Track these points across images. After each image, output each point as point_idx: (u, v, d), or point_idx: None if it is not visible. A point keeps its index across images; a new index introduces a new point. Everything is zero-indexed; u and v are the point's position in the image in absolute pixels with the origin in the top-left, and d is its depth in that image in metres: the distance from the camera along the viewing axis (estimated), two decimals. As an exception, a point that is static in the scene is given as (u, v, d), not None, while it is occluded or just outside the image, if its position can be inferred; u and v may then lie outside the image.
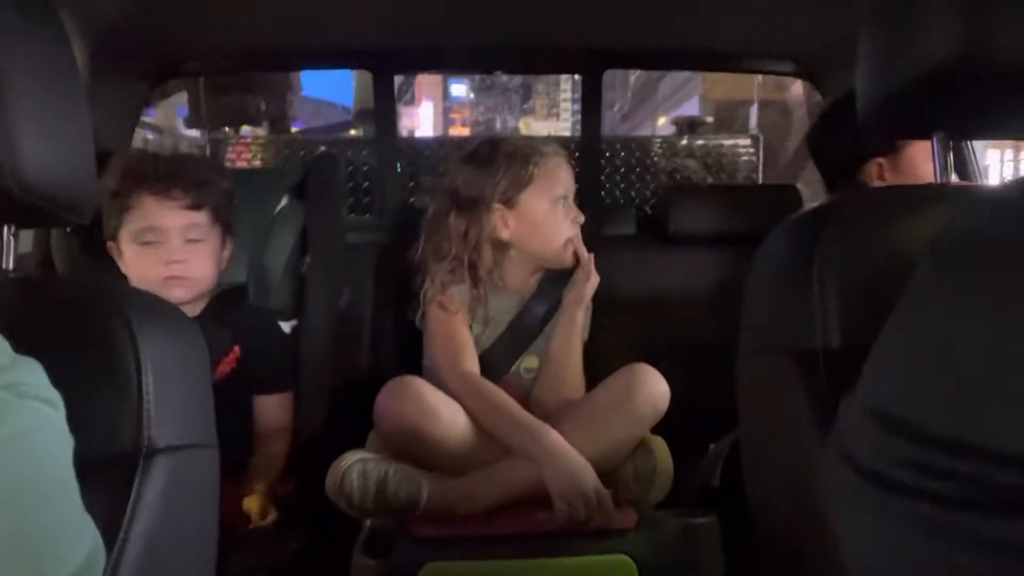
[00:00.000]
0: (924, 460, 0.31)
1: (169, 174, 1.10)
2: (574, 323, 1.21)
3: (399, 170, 1.71)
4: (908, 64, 0.58)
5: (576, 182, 1.28)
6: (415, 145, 2.26)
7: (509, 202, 1.21)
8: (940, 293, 0.33)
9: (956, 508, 0.29)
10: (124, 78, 1.44)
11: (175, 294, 1.09)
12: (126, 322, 0.54)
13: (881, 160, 1.26)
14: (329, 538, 1.04)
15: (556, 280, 1.26)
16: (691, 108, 9.95)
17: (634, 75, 11.95)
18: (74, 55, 0.61)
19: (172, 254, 1.09)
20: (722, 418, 1.18)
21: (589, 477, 1.02)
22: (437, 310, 1.22)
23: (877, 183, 1.26)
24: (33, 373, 0.48)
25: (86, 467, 0.49)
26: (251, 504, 1.03)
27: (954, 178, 0.71)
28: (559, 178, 1.23)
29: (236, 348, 1.16)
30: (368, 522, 1.04)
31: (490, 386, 1.13)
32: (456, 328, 1.20)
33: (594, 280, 1.23)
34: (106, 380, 0.53)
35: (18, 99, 0.54)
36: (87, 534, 0.47)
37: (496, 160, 1.22)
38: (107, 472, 0.51)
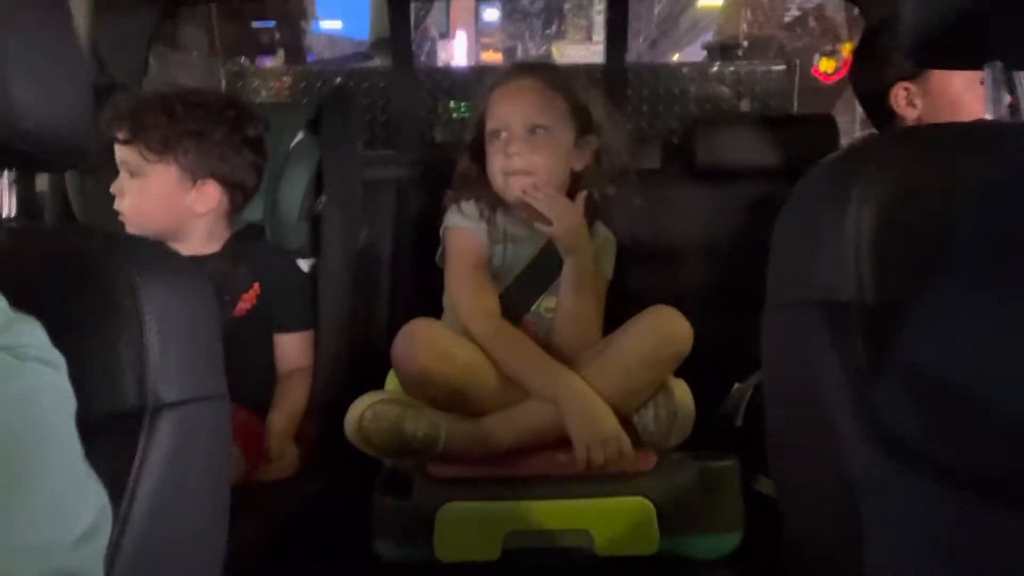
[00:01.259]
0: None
1: (116, 110, 1.07)
2: (571, 271, 1.14)
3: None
4: None
5: None
6: (434, 75, 2.19)
7: (483, 138, 1.19)
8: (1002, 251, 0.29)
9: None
10: (131, 7, 1.40)
11: (127, 231, 1.09)
12: (127, 273, 0.52)
13: (907, 84, 1.17)
14: (350, 479, 1.05)
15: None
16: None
17: (658, 5, 11.48)
18: None
19: (115, 189, 1.10)
20: (747, 359, 1.15)
21: (609, 422, 1.01)
22: (455, 245, 1.19)
23: (908, 111, 1.18)
24: (33, 333, 0.47)
25: (90, 425, 0.48)
26: (275, 445, 1.04)
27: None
28: (494, 111, 1.17)
29: (256, 285, 1.15)
30: (388, 463, 1.05)
31: (510, 328, 1.12)
32: (475, 265, 1.17)
33: (558, 226, 1.11)
34: (108, 335, 0.52)
35: (6, 42, 0.52)
36: (92, 495, 0.47)
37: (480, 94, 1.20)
38: (111, 430, 0.50)
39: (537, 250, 1.20)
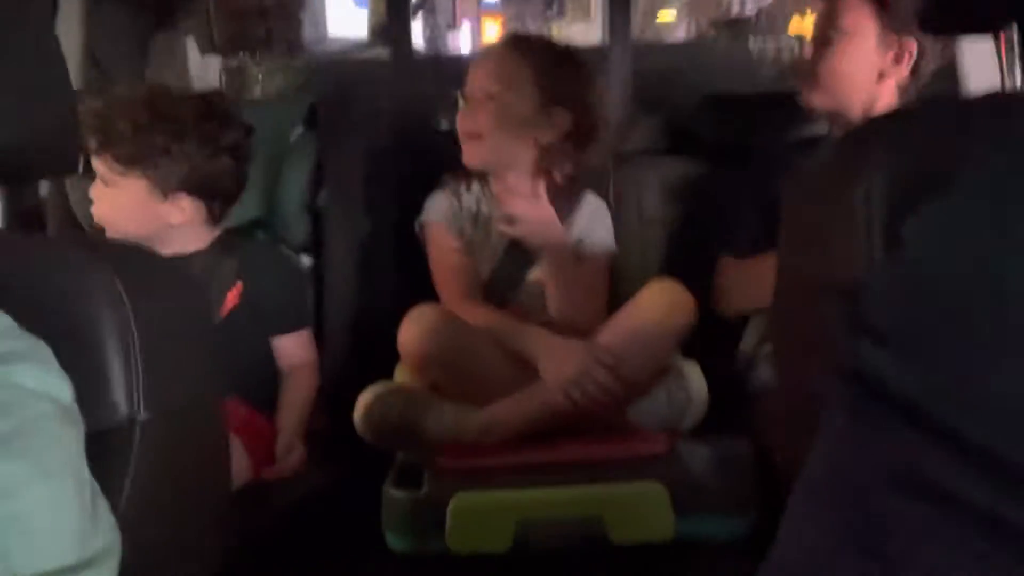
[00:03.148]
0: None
1: (85, 119, 1.04)
2: (545, 267, 1.15)
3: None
4: None
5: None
6: (438, 62, 2.17)
7: None
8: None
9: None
10: (127, 7, 1.39)
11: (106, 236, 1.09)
12: (113, 285, 0.51)
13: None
14: (361, 473, 1.05)
15: (556, 191, 1.20)
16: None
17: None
18: (46, 3, 0.57)
19: (92, 195, 1.10)
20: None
21: (580, 359, 1.02)
22: (429, 236, 1.22)
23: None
24: (36, 364, 0.46)
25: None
26: (281, 444, 1.04)
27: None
28: (466, 80, 1.19)
29: (239, 283, 1.13)
30: (399, 456, 1.04)
31: (483, 308, 1.14)
32: (448, 254, 1.20)
33: (519, 227, 1.12)
34: (95, 348, 0.51)
35: None
36: (103, 520, 0.46)
37: None
38: (102, 443, 0.49)
39: None
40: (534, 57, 1.18)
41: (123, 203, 1.08)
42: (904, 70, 1.13)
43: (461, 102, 1.20)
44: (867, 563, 0.25)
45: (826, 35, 1.15)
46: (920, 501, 0.24)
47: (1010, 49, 0.62)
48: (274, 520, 0.93)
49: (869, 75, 1.14)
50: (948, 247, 0.27)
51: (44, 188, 1.25)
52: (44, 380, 0.46)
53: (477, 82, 1.17)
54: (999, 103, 0.59)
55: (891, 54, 1.13)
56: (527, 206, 1.12)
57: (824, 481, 0.28)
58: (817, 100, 1.18)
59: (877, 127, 0.56)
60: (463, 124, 1.17)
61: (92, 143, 1.06)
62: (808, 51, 1.18)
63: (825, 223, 0.55)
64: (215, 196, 1.12)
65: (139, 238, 1.08)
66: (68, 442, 0.46)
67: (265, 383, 1.14)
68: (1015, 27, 0.59)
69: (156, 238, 1.09)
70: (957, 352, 0.25)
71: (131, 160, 1.06)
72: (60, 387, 0.47)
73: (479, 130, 1.16)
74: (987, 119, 0.53)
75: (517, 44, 1.21)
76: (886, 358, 0.26)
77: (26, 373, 0.45)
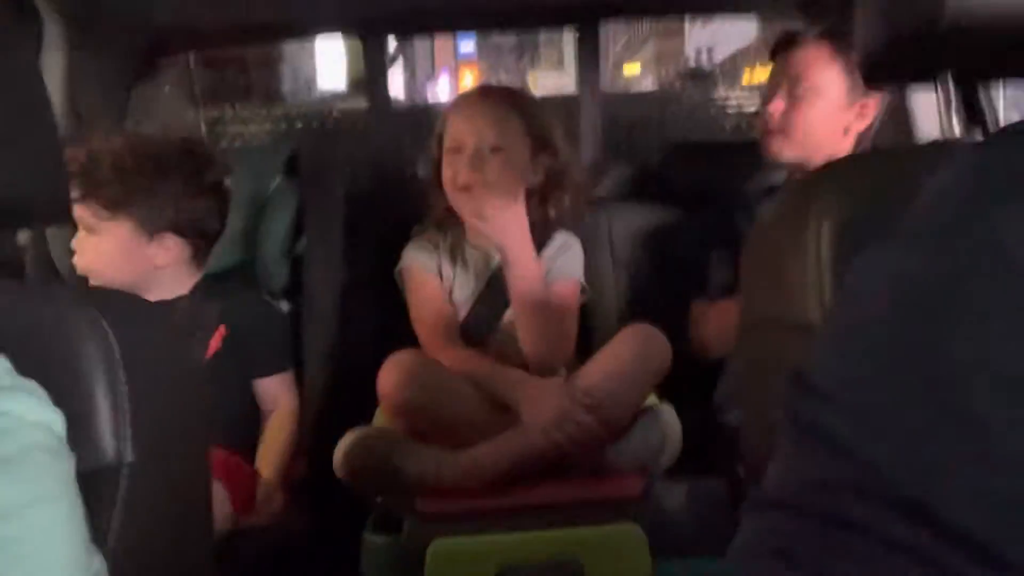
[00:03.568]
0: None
1: (75, 167, 1.06)
2: (513, 281, 1.16)
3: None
4: (908, 9, 0.54)
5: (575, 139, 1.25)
6: (414, 112, 2.22)
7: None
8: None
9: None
10: (109, 60, 1.41)
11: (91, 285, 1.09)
12: (100, 328, 0.52)
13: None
14: (339, 518, 1.05)
15: (531, 229, 1.21)
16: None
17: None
18: (31, 50, 0.59)
19: (74, 246, 1.11)
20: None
21: (561, 401, 1.03)
22: (408, 281, 1.24)
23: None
24: (32, 396, 0.47)
25: None
26: (261, 494, 1.03)
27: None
28: (451, 130, 1.21)
29: (222, 327, 1.14)
30: (378, 500, 1.04)
31: (462, 351, 1.16)
32: (427, 298, 1.22)
33: (496, 234, 1.14)
34: (82, 392, 0.51)
35: None
36: (94, 556, 0.47)
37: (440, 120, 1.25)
38: (90, 486, 0.50)
39: (494, 267, 1.23)
40: (523, 107, 1.22)
41: (109, 249, 1.09)
42: (866, 123, 1.20)
43: (441, 152, 1.21)
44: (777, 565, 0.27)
45: (796, 92, 1.20)
46: (839, 528, 0.26)
47: (948, 97, 0.66)
48: (254, 568, 0.92)
49: (836, 129, 1.20)
50: (878, 287, 0.29)
51: (23, 238, 1.25)
52: (41, 412, 0.47)
53: (475, 134, 1.18)
54: (933, 151, 0.64)
55: (856, 107, 1.19)
56: (511, 215, 1.14)
57: (763, 496, 0.29)
58: (785, 152, 1.23)
59: (826, 174, 0.60)
60: (464, 176, 1.17)
61: (75, 192, 1.06)
62: (773, 104, 1.22)
63: (780, 264, 0.58)
64: (199, 235, 1.14)
65: (124, 285, 1.09)
66: (62, 474, 0.47)
67: (246, 426, 1.14)
68: (949, 77, 0.64)
69: (141, 284, 1.11)
70: (884, 397, 0.27)
71: (116, 203, 1.07)
72: (55, 420, 0.48)
73: (486, 181, 1.16)
74: (922, 167, 0.57)
75: (506, 95, 1.24)
76: (819, 404, 0.29)
77: (24, 403, 0.46)
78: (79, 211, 1.08)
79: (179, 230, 1.11)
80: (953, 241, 0.28)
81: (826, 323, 0.31)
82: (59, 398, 0.48)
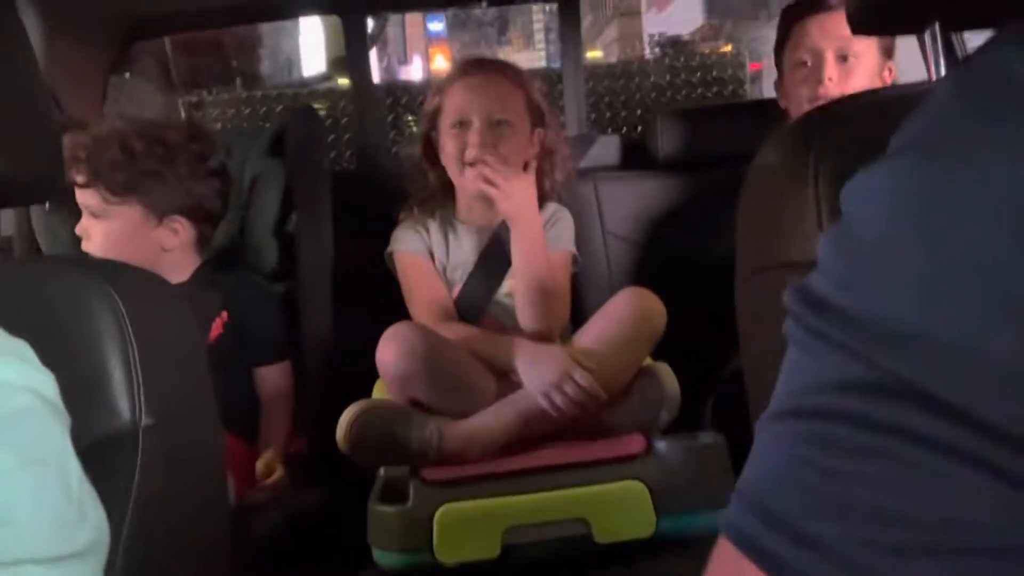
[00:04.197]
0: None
1: (73, 153, 1.06)
2: (519, 239, 1.16)
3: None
4: None
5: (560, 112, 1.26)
6: (395, 90, 2.21)
7: (432, 135, 1.23)
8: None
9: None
10: (86, 45, 1.39)
11: None
12: (109, 297, 0.53)
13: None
14: (345, 492, 1.06)
15: None
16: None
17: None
18: (25, 31, 0.59)
19: (80, 232, 1.10)
20: (724, 341, 1.18)
21: (556, 364, 1.04)
22: (400, 265, 1.24)
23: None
24: (19, 360, 0.47)
25: (84, 446, 0.48)
26: (261, 466, 1.04)
27: None
28: (453, 103, 1.20)
29: (224, 313, 1.15)
30: (382, 471, 1.05)
31: (458, 326, 1.17)
32: (420, 280, 1.22)
33: (504, 200, 1.14)
34: (95, 357, 0.52)
35: None
36: (91, 513, 0.47)
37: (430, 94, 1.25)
38: (106, 450, 0.50)
39: (486, 240, 1.24)
40: (521, 80, 1.23)
41: (117, 233, 1.09)
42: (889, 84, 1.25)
43: (432, 128, 1.22)
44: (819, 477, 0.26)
45: (846, 58, 1.23)
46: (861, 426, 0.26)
47: (935, 48, 0.67)
48: (260, 542, 0.92)
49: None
50: (873, 201, 0.30)
51: (4, 222, 1.24)
52: (26, 375, 0.47)
53: (484, 110, 1.17)
54: (925, 88, 0.64)
55: (886, 69, 1.26)
56: (519, 179, 1.16)
57: (776, 410, 0.29)
58: None
59: (822, 116, 0.61)
60: (475, 150, 1.16)
61: (80, 177, 1.06)
62: (830, 70, 1.22)
63: (779, 206, 0.59)
64: (206, 217, 1.15)
65: None
66: (52, 435, 0.47)
67: (245, 413, 1.15)
68: (937, 27, 0.64)
69: (147, 268, 1.10)
70: (887, 295, 0.27)
71: (125, 188, 1.07)
72: (43, 381, 0.48)
73: (497, 154, 1.16)
74: (917, 99, 0.58)
75: (504, 68, 1.24)
76: (833, 317, 0.28)
77: (8, 368, 0.46)
78: (85, 197, 1.08)
79: (188, 212, 1.12)
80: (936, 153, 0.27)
81: (824, 245, 0.31)
82: (71, 363, 0.48)
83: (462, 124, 1.18)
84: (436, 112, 1.23)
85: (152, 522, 0.52)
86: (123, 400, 0.52)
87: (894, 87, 0.73)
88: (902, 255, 0.27)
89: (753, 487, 0.28)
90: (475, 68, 1.24)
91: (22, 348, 0.48)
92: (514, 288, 1.19)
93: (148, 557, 0.51)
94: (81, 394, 0.50)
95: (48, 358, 0.49)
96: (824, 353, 0.28)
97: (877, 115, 0.58)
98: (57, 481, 0.46)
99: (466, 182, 1.19)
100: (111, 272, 0.56)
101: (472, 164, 1.16)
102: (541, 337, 1.14)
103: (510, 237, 1.18)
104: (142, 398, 0.53)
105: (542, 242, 1.18)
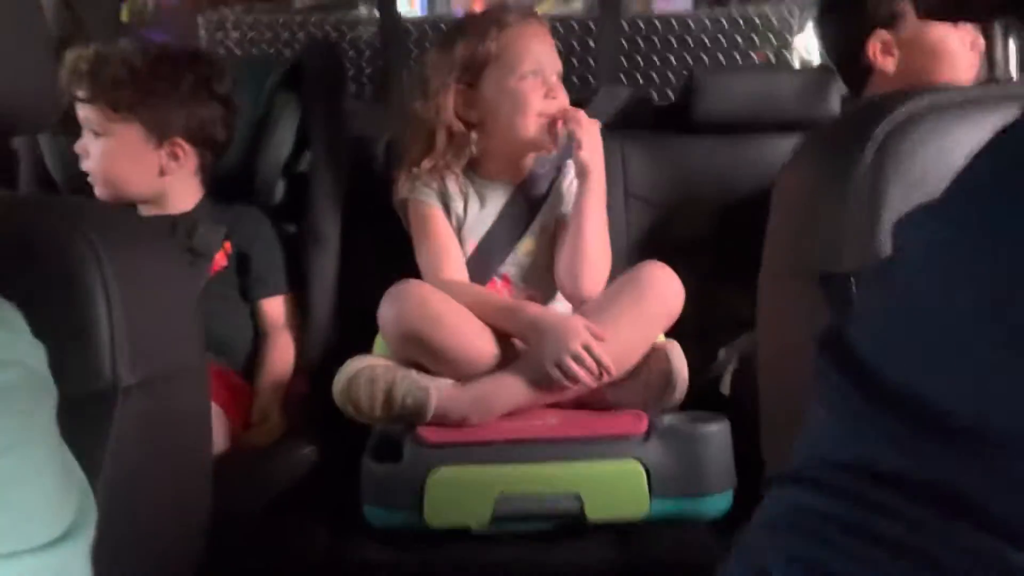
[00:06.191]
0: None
1: (75, 68, 1.03)
2: (588, 192, 1.13)
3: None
4: None
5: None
6: (423, 24, 2.12)
7: (472, 83, 1.15)
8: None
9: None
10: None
11: (95, 192, 1.06)
12: (89, 245, 0.49)
13: (884, 32, 1.10)
14: (339, 444, 1.04)
15: (550, 163, 1.21)
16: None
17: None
18: None
19: (79, 149, 1.08)
20: (739, 320, 1.14)
21: (572, 334, 1.01)
22: (413, 214, 1.18)
23: (886, 62, 1.11)
24: (7, 331, 0.44)
25: (62, 406, 0.46)
26: (256, 412, 1.03)
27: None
28: (526, 51, 1.14)
29: (227, 244, 1.13)
30: (377, 428, 1.03)
31: (468, 285, 1.13)
32: (433, 232, 1.17)
33: (588, 151, 1.12)
34: (74, 312, 0.49)
35: None
36: (75, 489, 0.45)
37: (455, 39, 1.16)
38: (83, 410, 0.47)
39: (506, 199, 1.19)
40: (551, 31, 1.20)
41: (117, 151, 1.06)
42: None
43: (542, 75, 1.15)
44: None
45: (976, 43, 1.13)
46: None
47: (1005, 40, 0.60)
48: (252, 492, 0.92)
49: None
50: (931, 258, 0.26)
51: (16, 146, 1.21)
52: (14, 347, 0.44)
53: (554, 62, 1.16)
54: (995, 97, 0.58)
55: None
56: (596, 129, 1.14)
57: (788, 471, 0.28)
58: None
59: (881, 106, 0.53)
60: (553, 106, 1.13)
61: (83, 92, 1.04)
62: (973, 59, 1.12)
63: (815, 211, 0.54)
64: (208, 143, 1.12)
65: (129, 193, 1.07)
66: (40, 412, 0.45)
67: (244, 345, 1.14)
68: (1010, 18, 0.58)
69: (148, 194, 1.09)
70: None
71: (128, 105, 1.05)
72: (32, 354, 0.45)
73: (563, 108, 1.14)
74: (987, 116, 0.51)
75: (541, 20, 1.21)
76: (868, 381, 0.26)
77: None
78: (87, 112, 1.05)
79: (190, 135, 1.09)
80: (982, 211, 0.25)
81: (867, 284, 0.28)
82: (50, 319, 0.45)
83: (537, 74, 1.14)
84: (484, 61, 1.15)
85: (129, 483, 0.49)
86: (103, 357, 0.49)
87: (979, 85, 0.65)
88: (956, 329, 0.24)
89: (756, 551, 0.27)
90: (532, 18, 1.19)
91: (10, 316, 0.45)
92: (573, 242, 1.14)
93: (126, 518, 0.49)
94: (57, 351, 0.47)
95: (18, 304, 0.45)
96: (859, 430, 0.26)
97: (957, 113, 0.50)
98: (48, 459, 0.44)
99: (537, 132, 1.14)
100: (97, 220, 0.53)
101: (552, 117, 1.13)
102: (584, 296, 1.12)
103: (575, 190, 1.16)
104: (125, 356, 0.50)
105: (604, 193, 1.16)
